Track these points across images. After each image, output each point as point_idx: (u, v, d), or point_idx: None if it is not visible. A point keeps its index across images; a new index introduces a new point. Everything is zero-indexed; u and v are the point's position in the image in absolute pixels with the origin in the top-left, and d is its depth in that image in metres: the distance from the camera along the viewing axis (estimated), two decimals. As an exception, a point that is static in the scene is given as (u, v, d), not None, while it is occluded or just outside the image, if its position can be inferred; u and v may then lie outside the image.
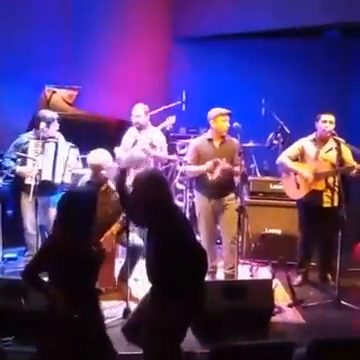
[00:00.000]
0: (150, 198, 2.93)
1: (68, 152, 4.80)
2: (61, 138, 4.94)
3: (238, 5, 7.01)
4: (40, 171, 4.61)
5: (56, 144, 4.75)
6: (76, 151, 4.87)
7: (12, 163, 4.80)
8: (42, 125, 4.75)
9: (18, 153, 4.72)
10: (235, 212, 4.37)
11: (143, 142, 5.16)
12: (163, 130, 5.53)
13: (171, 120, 5.37)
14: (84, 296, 2.81)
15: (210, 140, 4.72)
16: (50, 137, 4.82)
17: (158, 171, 3.33)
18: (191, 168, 4.76)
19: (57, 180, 4.76)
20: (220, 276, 4.76)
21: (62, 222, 2.89)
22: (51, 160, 4.71)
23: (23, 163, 4.77)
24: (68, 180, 4.79)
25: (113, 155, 4.65)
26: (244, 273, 4.86)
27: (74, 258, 2.76)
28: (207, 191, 4.66)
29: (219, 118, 4.65)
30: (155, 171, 3.36)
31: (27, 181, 4.70)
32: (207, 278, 4.49)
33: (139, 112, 5.25)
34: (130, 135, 5.37)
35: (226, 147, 4.66)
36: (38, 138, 4.78)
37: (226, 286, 3.94)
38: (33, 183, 4.53)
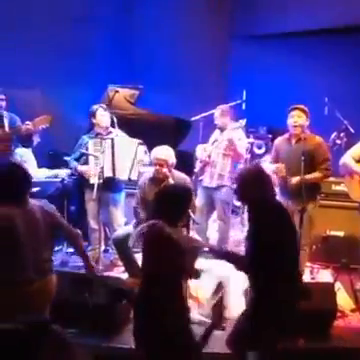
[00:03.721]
0: (254, 195, 2.98)
1: (136, 148, 4.83)
2: (120, 133, 5.01)
3: (300, 2, 6.88)
4: (102, 169, 4.69)
5: (112, 140, 4.80)
6: (143, 147, 4.88)
7: (75, 163, 4.94)
8: (92, 120, 4.88)
9: (82, 151, 4.84)
10: (309, 217, 4.28)
11: (222, 142, 5.17)
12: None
13: (241, 123, 5.32)
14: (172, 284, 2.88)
15: (288, 138, 4.62)
16: (104, 131, 4.90)
17: (262, 168, 3.35)
18: (265, 165, 4.73)
19: (121, 176, 4.80)
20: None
21: (157, 213, 2.96)
22: (110, 157, 4.78)
23: (85, 162, 4.89)
24: (135, 176, 4.82)
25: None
26: (305, 275, 4.75)
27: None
28: (283, 191, 4.59)
29: (289, 114, 4.56)
30: (259, 168, 3.35)
31: (91, 181, 4.79)
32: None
33: (216, 113, 5.25)
34: (213, 136, 5.41)
35: (302, 146, 4.43)
36: (96, 135, 4.90)
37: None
38: (97, 181, 4.61)
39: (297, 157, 4.34)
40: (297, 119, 4.51)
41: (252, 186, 3.00)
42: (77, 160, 4.95)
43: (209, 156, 5.22)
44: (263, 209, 2.96)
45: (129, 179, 4.85)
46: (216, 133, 5.39)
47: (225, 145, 5.16)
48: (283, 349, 2.90)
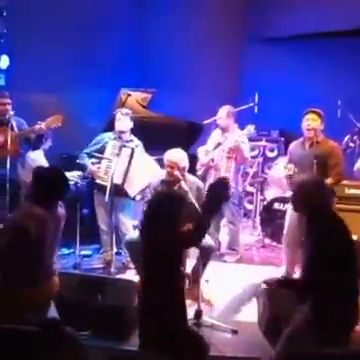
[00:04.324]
0: (313, 204, 3.03)
1: (151, 178, 4.73)
2: (140, 146, 4.98)
3: (313, 4, 6.86)
4: (114, 173, 4.66)
5: (132, 151, 4.78)
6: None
7: (86, 158, 4.92)
8: (124, 122, 4.88)
9: (94, 153, 4.87)
10: None
11: (226, 145, 5.20)
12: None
13: (249, 129, 5.34)
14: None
15: (302, 142, 4.60)
16: (120, 134, 4.90)
17: (322, 178, 3.41)
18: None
19: (128, 189, 4.78)
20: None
21: (149, 221, 3.03)
22: (125, 166, 4.76)
23: (98, 162, 4.91)
24: (138, 199, 4.85)
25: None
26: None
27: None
28: None
29: (303, 117, 4.55)
30: (320, 178, 3.42)
31: (98, 180, 4.81)
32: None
33: (220, 114, 5.29)
34: (214, 137, 5.41)
35: (315, 150, 4.41)
36: (117, 138, 4.91)
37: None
38: (109, 184, 4.60)
39: (310, 161, 4.31)
40: (311, 122, 4.49)
41: (314, 196, 3.04)
42: (88, 155, 4.92)
43: (212, 159, 5.25)
44: (324, 219, 3.00)
45: (133, 198, 4.85)
46: (217, 134, 5.39)
47: (228, 148, 5.19)
48: (302, 354, 2.85)
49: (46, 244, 3.01)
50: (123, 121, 4.93)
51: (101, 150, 4.90)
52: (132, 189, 4.82)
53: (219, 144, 5.29)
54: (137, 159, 4.81)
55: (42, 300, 3.05)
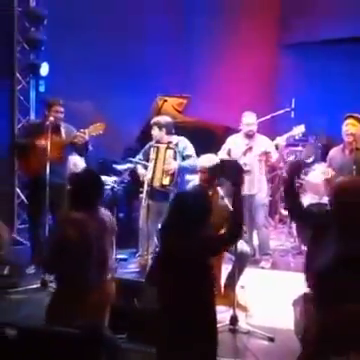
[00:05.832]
0: None
1: (165, 154, 4.90)
2: (182, 140, 5.06)
3: (349, 8, 6.76)
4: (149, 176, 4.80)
5: (157, 148, 4.90)
6: (171, 151, 4.90)
7: (138, 165, 5.07)
8: (154, 131, 4.95)
9: (134, 160, 4.99)
10: None
11: (258, 148, 5.29)
12: (290, 139, 5.62)
13: (300, 129, 5.34)
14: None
15: (343, 149, 4.53)
16: (156, 139, 4.99)
17: None
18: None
19: (156, 184, 4.86)
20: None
21: (172, 224, 2.74)
22: (152, 165, 4.88)
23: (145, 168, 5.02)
24: (167, 182, 4.87)
25: None
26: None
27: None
28: None
29: (343, 122, 4.48)
30: None
31: (145, 186, 4.88)
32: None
33: (253, 120, 5.34)
34: (237, 142, 5.40)
35: (355, 156, 4.35)
36: (151, 145, 5.01)
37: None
38: (146, 188, 4.73)
39: (350, 167, 4.23)
40: (351, 127, 4.42)
41: None
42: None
43: (245, 164, 5.27)
44: None
45: (162, 185, 4.88)
46: (239, 139, 5.39)
47: (260, 151, 5.26)
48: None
49: (91, 249, 3.00)
50: (153, 130, 5.04)
51: (146, 159, 5.02)
52: (156, 182, 4.87)
53: (250, 148, 5.31)
54: (162, 155, 4.88)
55: (93, 306, 2.97)
